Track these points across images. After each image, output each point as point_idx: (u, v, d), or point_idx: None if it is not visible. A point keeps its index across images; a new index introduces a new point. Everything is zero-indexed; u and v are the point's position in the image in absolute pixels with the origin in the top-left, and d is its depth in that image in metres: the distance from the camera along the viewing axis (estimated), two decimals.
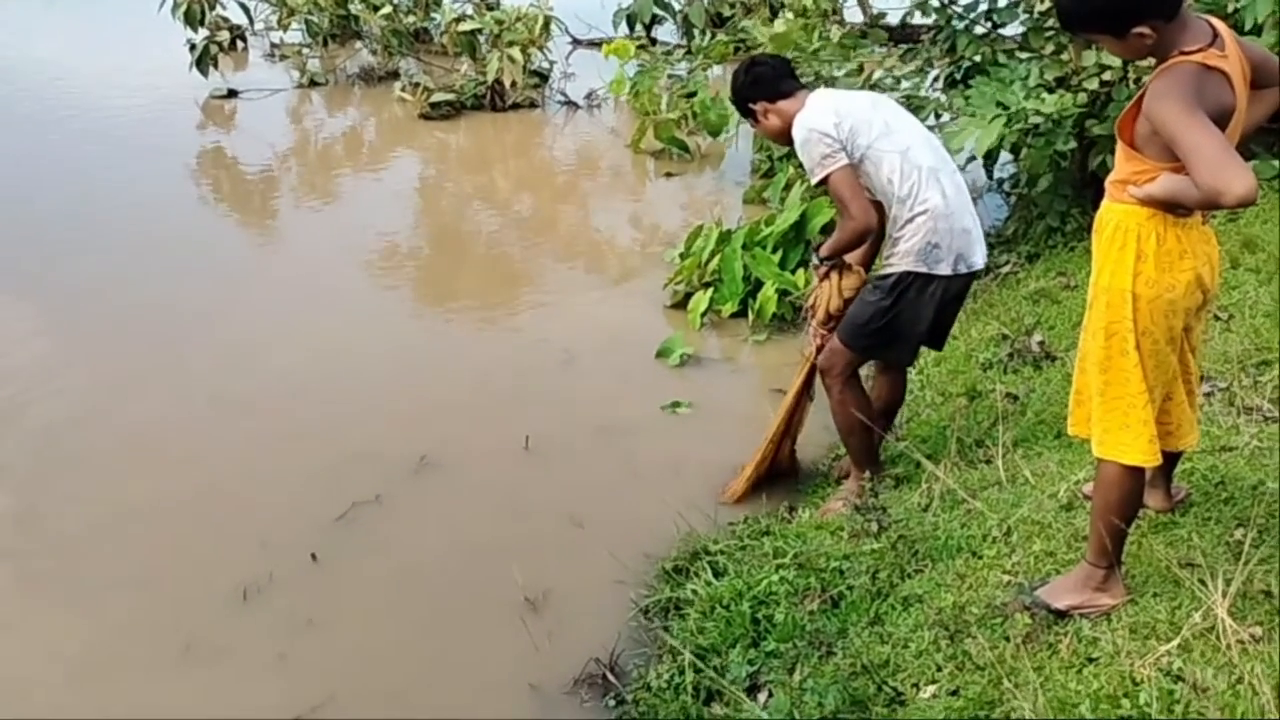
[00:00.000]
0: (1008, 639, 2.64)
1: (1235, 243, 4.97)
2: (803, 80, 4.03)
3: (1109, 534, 2.55)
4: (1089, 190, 5.84)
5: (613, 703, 3.16)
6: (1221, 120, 2.24)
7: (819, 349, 3.87)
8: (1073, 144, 5.60)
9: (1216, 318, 4.28)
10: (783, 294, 5.70)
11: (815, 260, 3.84)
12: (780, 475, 4.21)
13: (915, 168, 3.55)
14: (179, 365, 5.34)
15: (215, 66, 10.86)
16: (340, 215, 7.99)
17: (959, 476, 3.64)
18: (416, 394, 5.06)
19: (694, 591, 3.45)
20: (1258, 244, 4.92)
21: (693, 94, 8.73)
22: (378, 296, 6.33)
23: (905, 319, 3.65)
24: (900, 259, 3.59)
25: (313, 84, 11.44)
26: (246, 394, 5.03)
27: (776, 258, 5.91)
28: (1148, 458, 2.51)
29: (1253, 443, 3.31)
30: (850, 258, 3.79)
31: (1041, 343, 4.64)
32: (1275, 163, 5.74)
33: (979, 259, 3.65)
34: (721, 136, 8.72)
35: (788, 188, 6.89)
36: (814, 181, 3.61)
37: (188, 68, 10.62)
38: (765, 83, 3.77)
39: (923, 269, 3.56)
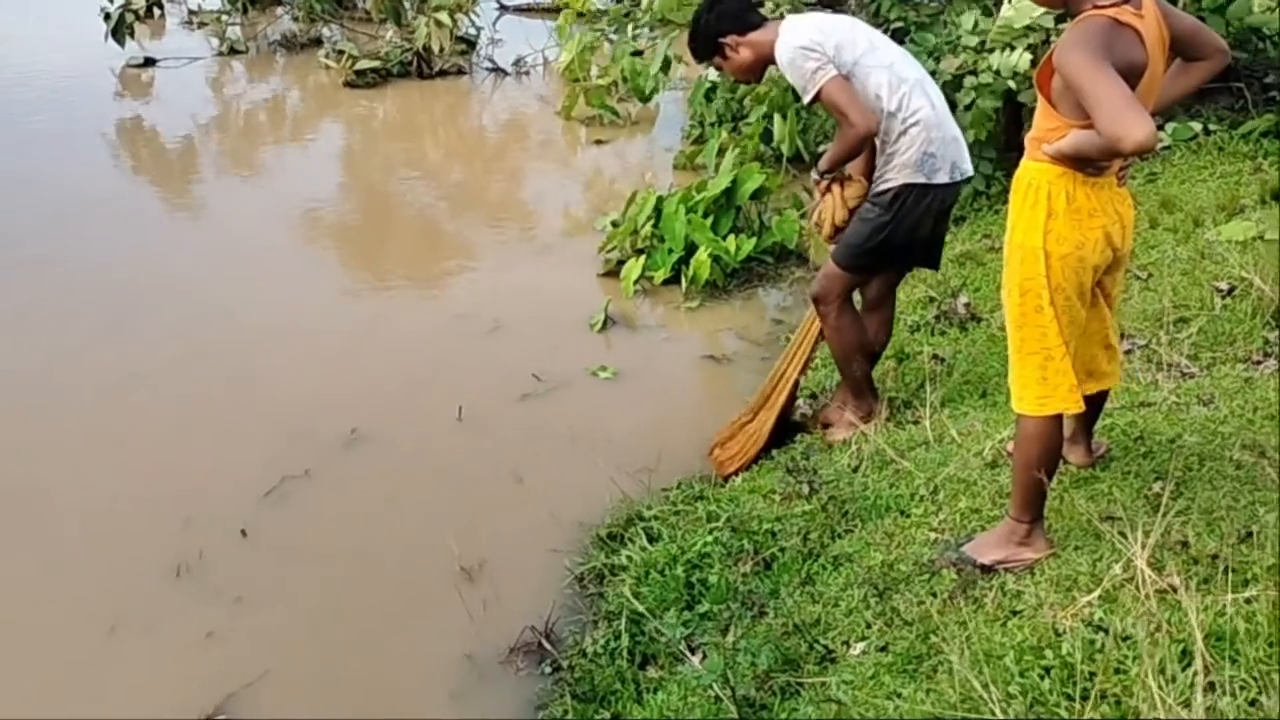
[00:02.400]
0: (935, 595, 2.69)
1: (1154, 203, 5.08)
2: None
3: (1031, 488, 2.60)
4: (1014, 154, 5.91)
5: (549, 670, 3.16)
6: (1131, 77, 2.27)
7: None
8: (998, 103, 5.66)
9: (1136, 276, 4.37)
10: (715, 259, 5.71)
11: (815, 176, 3.78)
12: (785, 423, 4.07)
13: (902, 80, 3.54)
14: (101, 340, 5.20)
15: (132, 35, 10.51)
16: (265, 186, 7.82)
17: (888, 437, 3.68)
18: (346, 366, 4.99)
19: (629, 557, 3.47)
20: (1175, 204, 5.02)
21: (639, 52, 8.55)
22: (305, 268, 6.22)
23: (903, 230, 3.64)
24: (898, 172, 3.58)
25: (233, 52, 11.14)
26: (171, 369, 4.92)
27: (709, 223, 5.90)
28: (1069, 405, 2.57)
29: (1170, 398, 3.39)
30: (849, 168, 3.74)
31: (968, 304, 4.70)
32: (1193, 125, 5.87)
33: (969, 165, 3.67)
34: (652, 102, 8.68)
35: (720, 153, 6.88)
36: (807, 100, 3.55)
37: (103, 37, 10.28)
38: (733, 16, 3.73)
39: (921, 179, 3.56)
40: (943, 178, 3.58)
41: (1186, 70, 2.55)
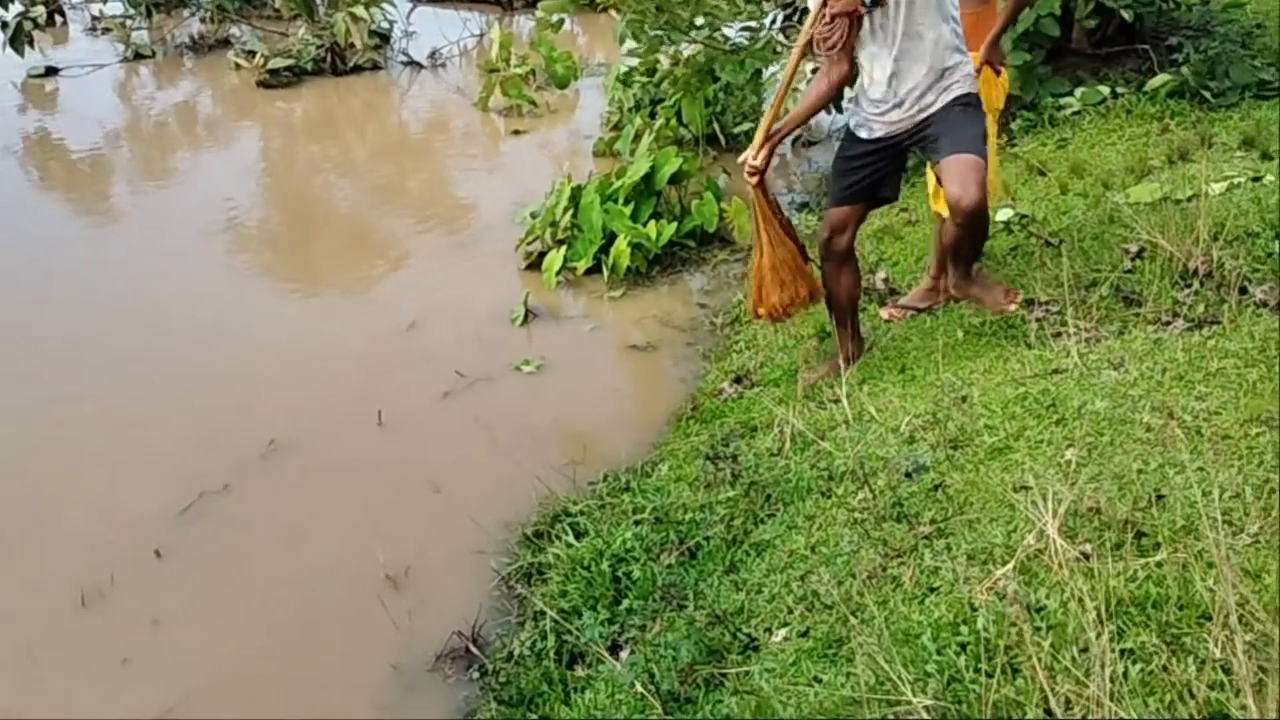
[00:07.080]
0: (854, 575, 2.68)
1: (1064, 168, 5.12)
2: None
3: None
4: None
5: (476, 675, 3.12)
6: None
7: None
8: None
9: (1047, 243, 4.40)
10: (636, 247, 5.66)
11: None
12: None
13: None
14: (9, 356, 5.05)
15: (31, 44, 10.19)
16: (180, 193, 7.61)
17: (809, 418, 3.68)
18: (263, 375, 4.89)
19: (555, 555, 3.43)
20: (1085, 169, 5.07)
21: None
22: (220, 276, 6.07)
23: None
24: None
25: (139, 57, 10.83)
26: (83, 384, 4.79)
27: (628, 210, 5.86)
28: None
29: (1081, 364, 3.41)
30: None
31: (886, 279, 4.70)
32: (1101, 89, 5.93)
33: None
34: (570, 89, 8.61)
35: (637, 139, 6.83)
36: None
37: (1, 47, 9.96)
38: None
39: None
40: None
41: None
